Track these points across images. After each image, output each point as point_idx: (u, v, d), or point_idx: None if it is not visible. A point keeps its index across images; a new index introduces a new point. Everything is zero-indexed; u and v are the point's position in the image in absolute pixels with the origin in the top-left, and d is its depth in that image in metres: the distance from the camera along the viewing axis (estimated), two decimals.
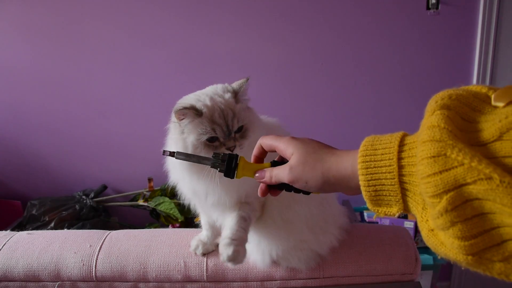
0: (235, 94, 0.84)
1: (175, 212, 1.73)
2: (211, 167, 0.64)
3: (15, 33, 1.90)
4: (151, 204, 1.82)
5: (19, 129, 2.01)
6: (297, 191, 0.60)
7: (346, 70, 1.95)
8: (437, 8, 1.84)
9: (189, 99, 0.84)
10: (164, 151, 0.68)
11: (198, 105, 0.81)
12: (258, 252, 0.96)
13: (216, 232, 1.03)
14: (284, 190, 0.62)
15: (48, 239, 1.05)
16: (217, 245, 1.04)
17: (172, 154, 0.66)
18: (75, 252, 1.00)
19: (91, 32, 1.89)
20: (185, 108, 0.79)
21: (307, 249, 0.97)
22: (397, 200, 0.45)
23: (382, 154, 0.45)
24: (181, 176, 0.90)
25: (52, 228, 1.77)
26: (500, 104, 0.38)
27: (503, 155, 0.34)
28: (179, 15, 1.88)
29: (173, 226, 1.79)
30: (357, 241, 1.04)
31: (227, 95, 0.83)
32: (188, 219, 1.79)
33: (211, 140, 0.80)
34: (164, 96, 1.92)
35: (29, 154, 2.04)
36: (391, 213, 0.46)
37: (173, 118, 0.83)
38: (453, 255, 0.39)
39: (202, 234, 1.04)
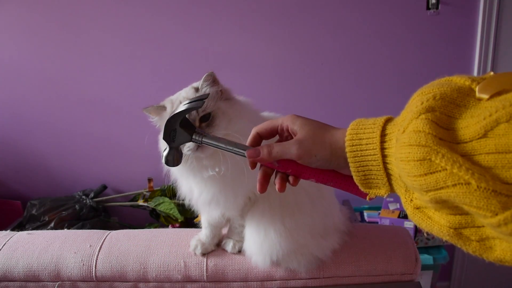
0: (196, 87, 0.88)
1: (175, 212, 1.73)
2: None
3: (15, 33, 1.90)
4: (151, 204, 1.82)
5: (19, 129, 2.01)
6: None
7: (346, 70, 1.95)
8: (437, 8, 1.83)
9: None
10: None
11: (162, 103, 0.89)
12: (260, 254, 0.96)
13: (216, 231, 1.03)
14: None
15: (48, 239, 1.05)
16: (216, 245, 1.05)
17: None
18: (75, 252, 1.00)
19: (91, 32, 1.89)
20: (145, 108, 0.89)
21: (307, 253, 0.97)
22: (383, 183, 0.49)
23: (367, 144, 0.49)
24: (179, 174, 0.92)
25: (52, 228, 1.77)
26: (485, 97, 0.39)
27: (487, 151, 0.36)
28: (179, 16, 1.88)
29: (173, 226, 1.79)
30: (357, 241, 1.04)
31: (190, 90, 0.89)
32: (188, 219, 1.79)
33: None
34: (164, 96, 1.90)
35: (29, 154, 2.04)
36: (380, 194, 0.51)
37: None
38: (438, 227, 0.43)
39: (201, 233, 1.04)
